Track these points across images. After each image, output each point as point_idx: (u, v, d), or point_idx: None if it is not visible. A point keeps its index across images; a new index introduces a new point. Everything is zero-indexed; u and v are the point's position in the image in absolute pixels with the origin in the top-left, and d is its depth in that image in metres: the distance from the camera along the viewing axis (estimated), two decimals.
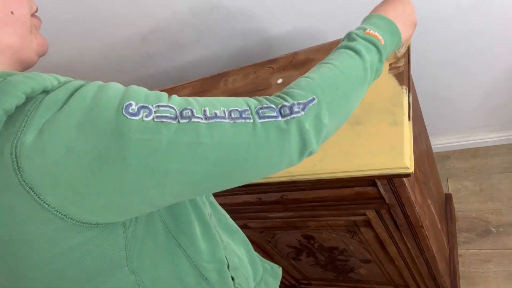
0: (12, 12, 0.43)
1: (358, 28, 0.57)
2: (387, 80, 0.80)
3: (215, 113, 0.41)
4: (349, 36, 0.56)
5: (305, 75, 0.50)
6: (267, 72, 1.04)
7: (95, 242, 0.40)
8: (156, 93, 0.41)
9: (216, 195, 0.79)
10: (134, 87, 0.41)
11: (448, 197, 1.47)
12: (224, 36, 1.26)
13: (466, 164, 1.57)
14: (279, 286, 0.79)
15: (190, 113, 0.39)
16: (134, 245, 0.45)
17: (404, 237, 0.90)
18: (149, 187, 0.38)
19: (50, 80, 0.38)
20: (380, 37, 0.55)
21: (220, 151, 0.40)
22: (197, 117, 0.40)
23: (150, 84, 1.50)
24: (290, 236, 1.10)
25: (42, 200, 0.35)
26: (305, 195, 0.90)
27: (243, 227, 1.08)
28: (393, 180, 0.74)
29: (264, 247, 1.19)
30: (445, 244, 1.22)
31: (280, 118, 0.43)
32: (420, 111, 1.13)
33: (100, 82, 0.40)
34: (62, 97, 0.37)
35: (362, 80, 0.52)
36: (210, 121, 0.40)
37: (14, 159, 0.34)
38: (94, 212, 0.37)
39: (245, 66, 1.11)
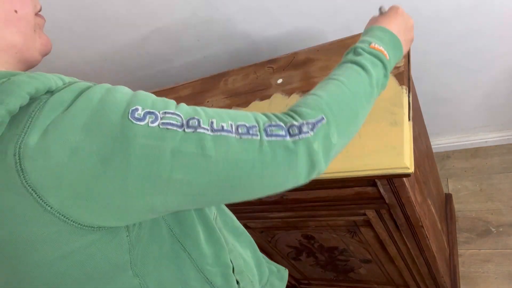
0: (16, 11, 0.43)
1: (362, 41, 0.56)
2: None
3: (222, 126, 0.40)
4: (355, 50, 0.55)
5: (312, 92, 0.49)
6: (267, 72, 1.04)
7: (98, 245, 0.40)
8: (163, 100, 0.41)
9: None
10: (142, 92, 0.41)
11: (448, 197, 1.47)
12: (224, 36, 1.26)
13: (466, 164, 1.57)
14: None
15: (196, 123, 0.39)
16: (138, 249, 0.44)
17: (404, 237, 0.90)
18: (152, 193, 0.37)
19: (54, 80, 0.38)
20: (385, 52, 0.54)
21: (224, 165, 0.39)
22: (203, 128, 0.39)
23: (150, 84, 1.50)
24: (290, 236, 1.10)
25: (44, 202, 0.34)
26: (305, 195, 0.90)
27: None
28: (393, 180, 0.74)
29: (264, 247, 1.19)
30: (445, 244, 1.22)
31: (288, 138, 0.42)
32: (420, 111, 1.13)
33: (108, 85, 0.40)
34: (68, 98, 0.37)
35: (369, 96, 0.51)
36: (216, 133, 0.39)
37: (18, 160, 0.33)
38: (97, 216, 0.37)
39: (245, 66, 1.11)
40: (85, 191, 0.35)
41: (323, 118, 0.44)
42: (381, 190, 0.78)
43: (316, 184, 0.83)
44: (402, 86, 0.78)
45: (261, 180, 0.41)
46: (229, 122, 0.41)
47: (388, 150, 0.70)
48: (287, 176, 0.42)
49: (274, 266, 0.78)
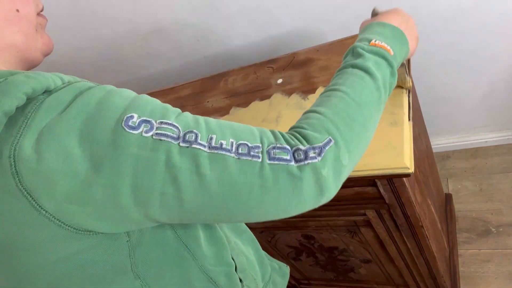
0: (17, 10, 0.43)
1: (361, 40, 0.51)
2: None
3: (221, 144, 0.38)
4: (354, 51, 0.50)
5: (314, 108, 0.45)
6: (267, 72, 1.04)
7: (97, 250, 0.39)
8: (165, 107, 0.39)
9: None
10: (144, 97, 0.39)
11: (448, 197, 1.47)
12: (224, 36, 1.26)
13: (466, 164, 1.57)
14: None
15: (193, 138, 0.37)
16: (139, 252, 0.44)
17: (404, 237, 0.90)
18: (144, 205, 0.36)
19: (53, 79, 0.37)
20: (388, 47, 0.49)
21: (219, 186, 0.37)
22: (200, 144, 0.37)
23: (150, 84, 1.50)
24: (290, 236, 1.10)
25: (39, 206, 0.34)
26: None
27: None
28: (393, 180, 0.74)
29: (264, 247, 1.19)
30: (445, 244, 1.22)
31: (292, 163, 0.39)
32: (420, 111, 1.13)
33: (110, 87, 0.39)
34: (65, 99, 0.36)
35: (377, 102, 0.46)
36: (213, 151, 0.37)
37: (13, 163, 0.33)
38: (90, 222, 0.37)
39: (245, 66, 1.11)
40: (78, 197, 0.35)
41: (330, 140, 0.40)
42: (381, 190, 0.78)
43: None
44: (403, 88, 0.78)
45: (260, 205, 0.39)
46: (230, 140, 0.38)
47: (388, 150, 0.70)
48: (290, 202, 0.39)
49: (276, 263, 0.78)
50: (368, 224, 0.91)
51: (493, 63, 1.24)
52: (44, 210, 0.34)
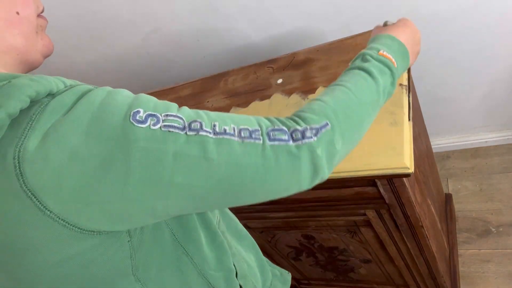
0: (17, 13, 0.43)
1: (370, 48, 0.56)
2: None
3: (225, 129, 0.40)
4: (363, 57, 0.54)
5: (318, 97, 0.48)
6: (267, 72, 1.04)
7: (99, 250, 0.39)
8: (165, 102, 0.40)
9: None
10: (143, 95, 0.40)
11: (448, 197, 1.47)
12: (224, 36, 1.26)
13: (466, 164, 1.57)
14: None
15: (198, 126, 0.39)
16: (140, 254, 0.44)
17: (404, 237, 0.90)
18: (153, 198, 0.37)
19: (56, 83, 0.38)
20: (394, 60, 0.54)
21: (226, 169, 0.38)
22: (206, 131, 0.39)
23: (150, 84, 1.50)
24: (290, 236, 1.10)
25: (44, 206, 0.34)
26: (305, 195, 0.90)
27: None
28: (393, 180, 0.74)
29: (264, 247, 1.19)
30: (445, 244, 1.22)
31: (291, 142, 0.41)
32: (420, 111, 1.13)
33: (109, 88, 0.40)
34: (69, 102, 0.36)
35: (375, 104, 0.50)
36: (218, 136, 0.39)
37: (17, 164, 0.33)
38: (96, 220, 0.37)
39: (245, 66, 1.11)
40: (85, 195, 0.35)
41: (327, 124, 0.43)
42: (381, 190, 0.78)
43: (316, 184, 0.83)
44: (402, 86, 0.78)
45: (264, 185, 0.41)
46: (232, 126, 0.40)
47: (388, 150, 0.70)
48: (290, 181, 0.42)
49: (277, 269, 0.78)
50: (368, 224, 0.91)
51: (493, 63, 1.24)
52: (48, 210, 0.34)
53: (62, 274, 0.39)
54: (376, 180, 0.75)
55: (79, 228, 0.36)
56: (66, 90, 0.38)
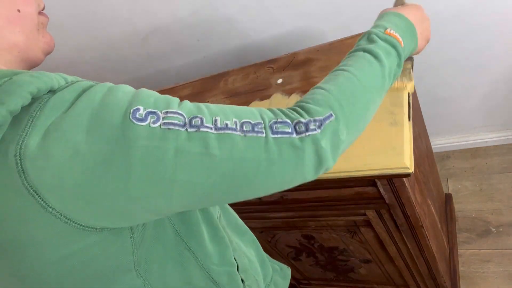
0: (19, 10, 0.43)
1: (377, 26, 0.54)
2: None
3: (226, 124, 0.39)
4: (368, 36, 0.52)
5: (321, 85, 0.47)
6: (267, 72, 1.04)
7: (101, 246, 0.39)
8: (166, 98, 0.40)
9: None
10: (144, 90, 0.40)
11: (448, 197, 1.47)
12: (224, 36, 1.26)
13: (466, 164, 1.57)
14: None
15: (199, 122, 0.38)
16: (142, 250, 0.44)
17: (404, 237, 0.90)
18: (154, 195, 0.37)
19: (57, 79, 0.38)
20: (400, 39, 0.52)
21: (229, 164, 0.38)
22: (207, 127, 0.38)
23: (150, 84, 1.50)
24: (290, 236, 1.10)
25: (46, 203, 0.34)
26: (305, 195, 0.90)
27: None
28: (393, 180, 0.74)
29: (264, 247, 1.19)
30: (445, 244, 1.22)
31: (294, 135, 0.41)
32: (420, 111, 1.13)
33: (110, 84, 0.40)
34: (69, 98, 0.36)
35: (380, 89, 0.49)
36: (220, 132, 0.38)
37: (18, 161, 0.33)
38: (98, 217, 0.37)
39: (245, 66, 1.11)
40: (86, 192, 0.35)
41: (331, 115, 0.43)
42: (381, 190, 0.78)
43: (316, 184, 0.83)
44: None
45: (267, 178, 0.40)
46: (234, 120, 0.40)
47: (388, 150, 0.70)
48: (294, 173, 0.41)
49: (277, 264, 0.78)
50: (368, 224, 0.91)
51: (493, 63, 1.24)
52: (50, 207, 0.34)
53: (64, 270, 0.39)
54: (376, 180, 0.75)
55: (81, 225, 0.36)
56: (67, 86, 0.37)
